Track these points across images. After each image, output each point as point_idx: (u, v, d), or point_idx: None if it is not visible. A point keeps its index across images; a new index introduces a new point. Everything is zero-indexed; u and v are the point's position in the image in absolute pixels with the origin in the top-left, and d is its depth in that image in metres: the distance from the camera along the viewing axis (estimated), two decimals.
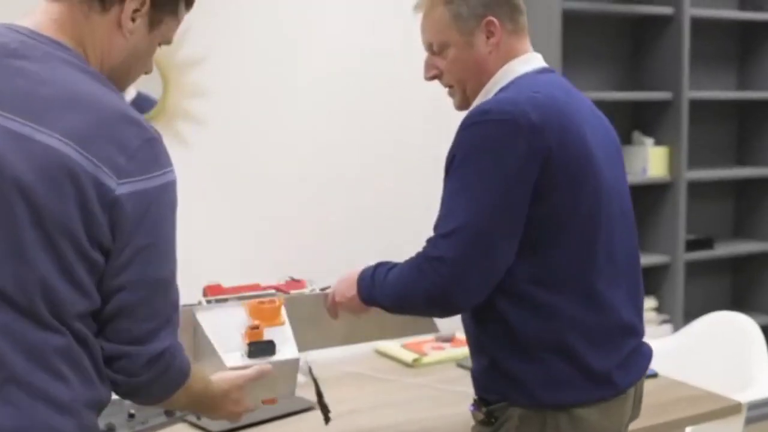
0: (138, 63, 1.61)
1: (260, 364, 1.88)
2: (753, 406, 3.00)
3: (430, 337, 3.24)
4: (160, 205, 1.49)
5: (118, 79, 1.59)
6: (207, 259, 3.85)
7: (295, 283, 2.20)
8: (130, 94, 3.68)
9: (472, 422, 2.04)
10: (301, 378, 2.17)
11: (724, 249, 4.82)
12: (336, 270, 3.99)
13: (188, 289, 3.80)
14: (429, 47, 2.05)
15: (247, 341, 1.91)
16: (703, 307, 4.54)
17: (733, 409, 2.63)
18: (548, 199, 1.84)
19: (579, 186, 1.87)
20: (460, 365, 3.02)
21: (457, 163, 1.87)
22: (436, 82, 2.09)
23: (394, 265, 2.00)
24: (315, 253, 4.05)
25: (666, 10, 4.40)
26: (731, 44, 4.98)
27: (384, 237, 4.15)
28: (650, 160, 4.45)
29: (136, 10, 1.54)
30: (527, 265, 1.87)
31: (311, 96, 3.98)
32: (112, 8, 1.53)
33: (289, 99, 3.95)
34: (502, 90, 1.97)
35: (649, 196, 4.54)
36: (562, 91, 1.96)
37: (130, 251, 1.45)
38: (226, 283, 3.66)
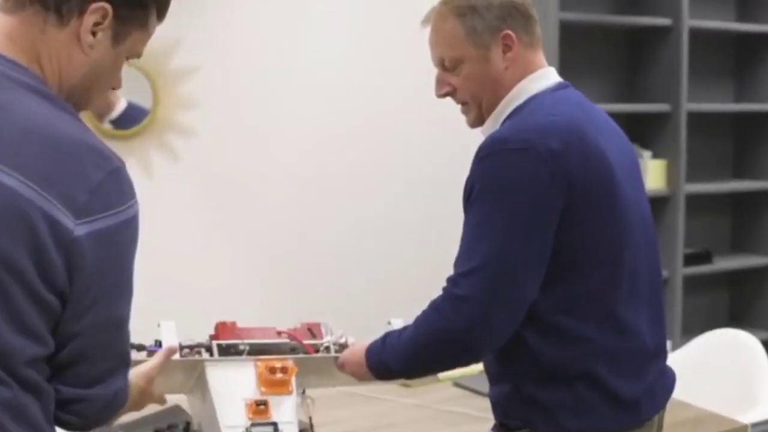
0: (101, 80, 1.48)
1: None
2: (756, 425, 2.93)
3: None
4: (122, 243, 1.38)
5: (79, 98, 1.47)
6: (197, 276, 3.78)
7: (310, 331, 2.09)
8: (121, 105, 3.62)
9: None
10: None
11: (722, 263, 4.76)
12: (334, 287, 3.96)
13: (172, 307, 3.72)
14: (440, 63, 1.95)
15: (250, 417, 1.85)
16: (702, 323, 4.51)
17: (739, 431, 2.57)
18: (575, 227, 1.77)
19: (605, 211, 1.80)
20: (457, 384, 2.95)
21: (475, 196, 1.78)
22: (448, 100, 2.00)
23: (407, 327, 1.90)
24: (311, 270, 4.00)
25: (664, 21, 4.35)
26: (728, 56, 4.93)
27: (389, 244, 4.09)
28: (648, 174, 4.38)
29: (97, 23, 1.41)
30: (552, 294, 1.79)
31: (308, 109, 3.92)
32: (71, 21, 1.39)
33: (285, 112, 3.90)
34: (517, 109, 1.88)
35: None
36: (580, 109, 1.88)
37: (92, 295, 1.36)
38: (213, 305, 3.58)
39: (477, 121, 1.97)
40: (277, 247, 3.95)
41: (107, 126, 3.63)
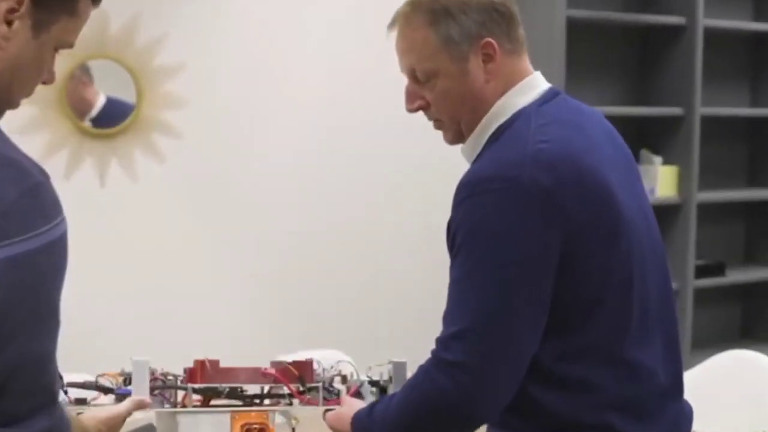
0: (23, 76, 1.32)
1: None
2: None
3: None
4: (44, 269, 1.23)
5: (0, 97, 1.31)
6: (182, 285, 3.65)
7: (300, 371, 1.90)
8: (99, 101, 3.46)
9: None
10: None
11: (735, 275, 4.59)
12: (328, 295, 3.81)
13: (154, 317, 3.52)
14: (410, 74, 1.73)
15: None
16: (712, 337, 4.41)
17: None
18: (576, 271, 1.58)
19: (609, 248, 1.61)
20: None
21: (459, 244, 1.58)
22: None
23: (395, 395, 1.72)
24: (304, 278, 3.91)
25: (678, 20, 4.19)
26: (745, 58, 4.78)
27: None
28: (659, 180, 4.24)
29: (12, 10, 1.26)
30: (555, 343, 1.60)
31: (299, 109, 3.81)
32: None
33: (275, 112, 3.79)
34: (501, 128, 1.67)
35: (657, 219, 4.27)
36: (572, 127, 1.66)
37: (8, 329, 1.19)
38: (199, 316, 3.38)
39: (455, 138, 1.76)
40: (268, 253, 3.85)
41: (87, 125, 3.46)
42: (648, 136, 4.39)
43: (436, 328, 1.64)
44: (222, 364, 1.87)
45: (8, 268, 1.17)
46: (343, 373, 1.99)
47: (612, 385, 1.64)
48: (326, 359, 3.01)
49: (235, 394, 1.83)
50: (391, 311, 4.02)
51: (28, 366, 1.24)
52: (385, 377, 2.00)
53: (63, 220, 1.25)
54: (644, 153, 4.33)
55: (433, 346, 1.63)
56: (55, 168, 3.38)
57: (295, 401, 1.89)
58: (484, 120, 1.68)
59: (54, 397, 1.31)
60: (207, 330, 3.70)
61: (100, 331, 3.50)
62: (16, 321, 1.20)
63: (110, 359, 3.38)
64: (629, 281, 1.64)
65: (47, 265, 1.23)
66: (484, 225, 1.55)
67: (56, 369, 1.31)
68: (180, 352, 3.57)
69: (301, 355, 3.04)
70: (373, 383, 1.98)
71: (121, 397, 1.79)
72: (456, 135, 1.75)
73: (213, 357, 3.52)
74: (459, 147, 1.79)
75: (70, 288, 3.49)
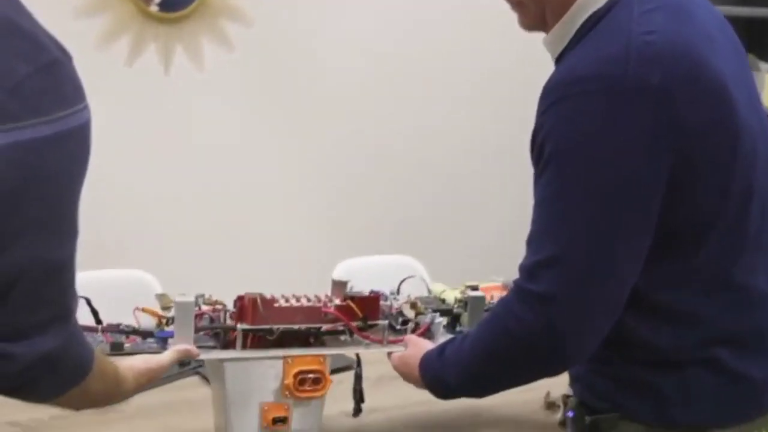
0: None
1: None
2: None
3: None
4: (57, 162, 1.04)
5: None
6: (248, 181, 3.52)
7: (365, 305, 1.71)
8: None
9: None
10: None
11: None
12: (403, 199, 3.65)
13: (221, 216, 3.33)
14: None
15: (264, 427, 1.66)
16: None
17: None
18: (689, 189, 1.35)
19: (727, 161, 1.37)
20: None
21: (548, 157, 1.35)
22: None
23: (468, 334, 1.53)
24: (379, 177, 3.78)
25: None
26: None
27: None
28: (765, 89, 3.97)
29: None
30: (657, 268, 1.39)
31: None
32: None
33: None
34: (596, 16, 1.40)
35: None
36: (680, 12, 1.39)
37: (12, 227, 1.03)
38: (265, 214, 3.21)
39: (534, 23, 1.51)
40: (341, 149, 3.69)
41: (153, 9, 3.27)
42: (756, 41, 4.06)
43: (519, 249, 1.42)
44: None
45: (14, 153, 1.00)
46: (413, 297, 1.80)
47: (722, 315, 1.44)
48: (399, 266, 2.83)
49: (288, 332, 1.67)
50: (471, 223, 3.87)
51: (37, 273, 1.08)
52: (458, 303, 1.83)
53: (85, 107, 1.07)
54: (751, 58, 4.03)
55: (515, 272, 1.42)
56: (116, 53, 3.22)
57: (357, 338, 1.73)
58: (575, 5, 1.43)
59: (67, 314, 1.15)
60: (276, 226, 3.57)
61: (160, 223, 3.38)
62: (21, 217, 1.03)
63: (168, 256, 3.26)
64: (749, 193, 1.42)
65: (62, 158, 1.06)
66: (579, 134, 1.32)
67: (72, 283, 1.15)
68: (245, 250, 3.44)
69: (372, 261, 2.91)
70: (444, 312, 1.79)
71: (162, 341, 1.62)
72: (536, 20, 1.50)
73: (285, 256, 3.37)
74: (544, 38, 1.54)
75: (132, 178, 3.32)
